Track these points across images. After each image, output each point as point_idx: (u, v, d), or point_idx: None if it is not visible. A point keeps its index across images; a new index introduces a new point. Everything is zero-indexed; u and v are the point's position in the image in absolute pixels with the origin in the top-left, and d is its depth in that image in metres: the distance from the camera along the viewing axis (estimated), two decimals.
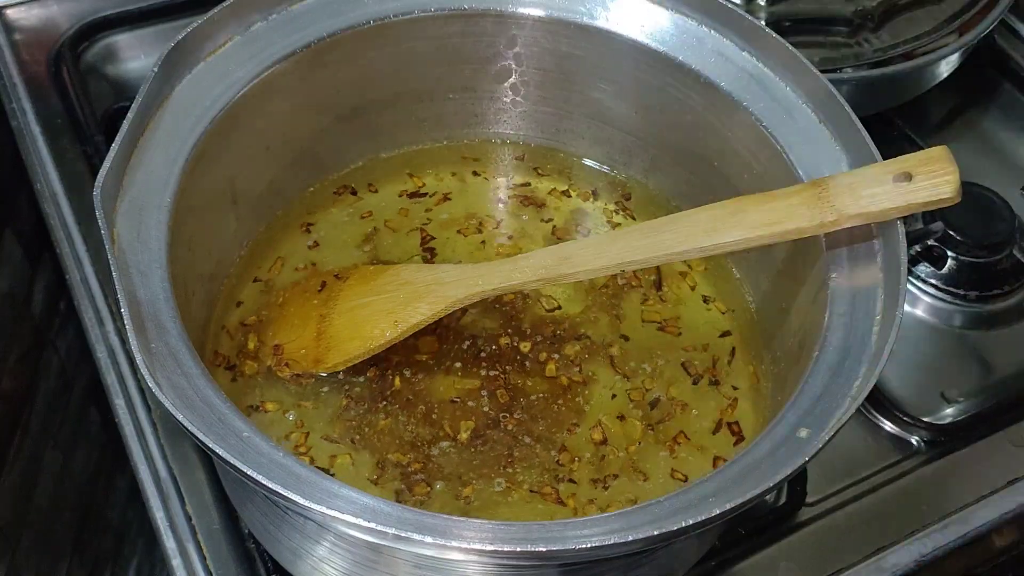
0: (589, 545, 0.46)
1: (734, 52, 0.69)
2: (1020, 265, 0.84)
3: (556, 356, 0.70)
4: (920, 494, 0.72)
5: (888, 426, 0.75)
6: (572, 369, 0.69)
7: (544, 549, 0.46)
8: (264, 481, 0.47)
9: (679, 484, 0.64)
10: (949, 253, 0.82)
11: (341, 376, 0.67)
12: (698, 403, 0.68)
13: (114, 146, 0.57)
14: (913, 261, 0.83)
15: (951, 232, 0.82)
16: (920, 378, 0.79)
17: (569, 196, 0.80)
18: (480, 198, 0.79)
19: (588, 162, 0.81)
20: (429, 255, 0.75)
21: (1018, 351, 0.81)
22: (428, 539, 0.45)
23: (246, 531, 0.65)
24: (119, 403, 0.70)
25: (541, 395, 0.68)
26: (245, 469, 0.47)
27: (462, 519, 0.47)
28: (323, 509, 0.46)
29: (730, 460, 0.52)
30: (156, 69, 0.61)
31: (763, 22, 0.72)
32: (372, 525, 0.46)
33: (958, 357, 0.81)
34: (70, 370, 1.04)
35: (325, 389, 0.67)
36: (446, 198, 0.79)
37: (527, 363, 0.69)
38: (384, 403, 0.66)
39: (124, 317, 0.51)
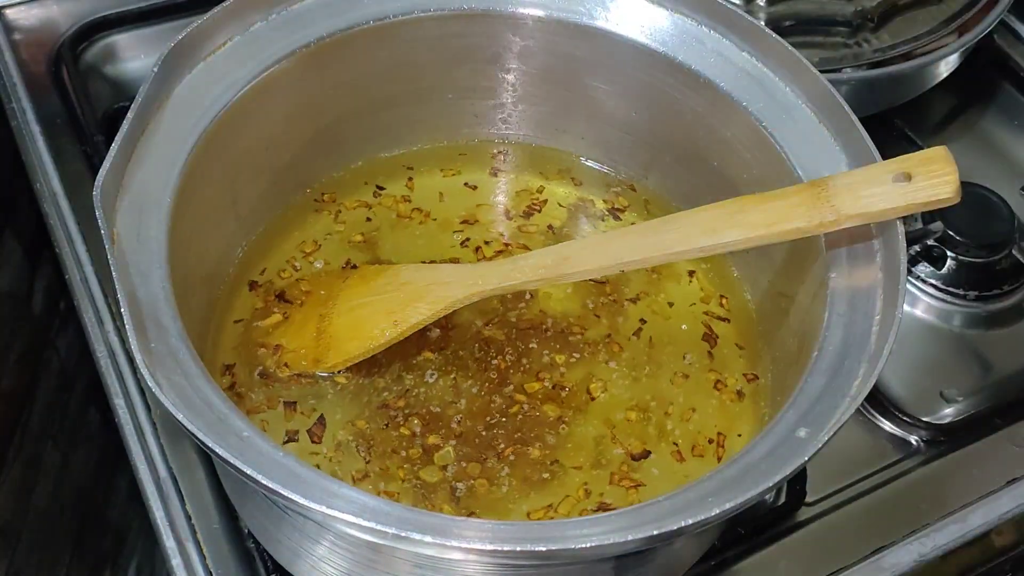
0: (589, 545, 0.46)
1: (734, 52, 0.69)
2: (1019, 265, 0.84)
3: (554, 356, 0.70)
4: (920, 494, 0.72)
5: (887, 426, 0.75)
6: (570, 369, 0.69)
7: (544, 549, 0.46)
8: (264, 481, 0.47)
9: (678, 484, 0.64)
10: (948, 253, 0.82)
11: (340, 376, 0.67)
12: (697, 403, 0.68)
13: (114, 146, 0.57)
14: (912, 261, 0.83)
15: (950, 232, 0.82)
16: (919, 378, 0.79)
17: (569, 196, 0.80)
18: (480, 198, 0.79)
19: (588, 162, 0.81)
20: (429, 255, 0.75)
21: (1018, 351, 0.81)
22: (428, 539, 0.45)
23: (246, 531, 0.66)
24: (119, 403, 0.70)
25: (539, 395, 0.68)
26: (245, 469, 0.47)
27: (462, 519, 0.47)
28: (323, 509, 0.46)
29: (730, 460, 0.52)
30: (156, 69, 0.61)
31: (763, 22, 0.72)
32: (372, 524, 0.46)
33: (957, 357, 0.81)
34: (70, 370, 1.04)
35: (324, 389, 0.67)
36: (446, 198, 0.79)
37: (525, 363, 0.69)
38: (382, 403, 0.66)
39: (124, 317, 0.51)
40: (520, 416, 0.66)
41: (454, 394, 0.67)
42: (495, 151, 0.82)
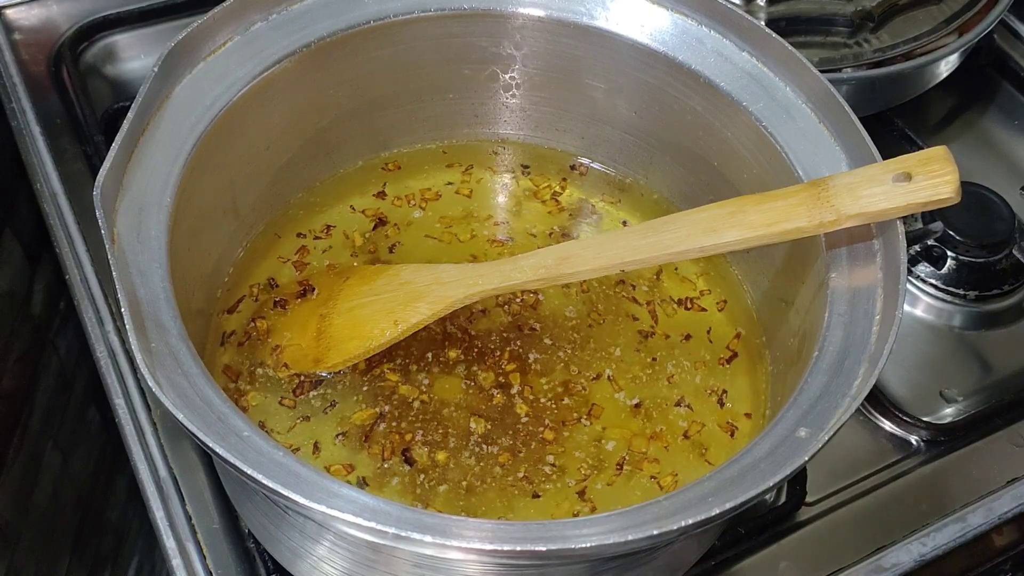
0: (589, 545, 0.46)
1: (734, 52, 0.69)
2: (1019, 265, 0.84)
3: (554, 356, 0.70)
4: (920, 494, 0.72)
5: (888, 426, 0.75)
6: (571, 369, 0.69)
7: (544, 549, 0.46)
8: (264, 480, 0.47)
9: (678, 484, 0.64)
10: (948, 253, 0.82)
11: (340, 376, 0.67)
12: (697, 403, 0.68)
13: (114, 146, 0.57)
14: (912, 261, 0.83)
15: (950, 232, 0.82)
16: (920, 378, 0.79)
17: (569, 196, 0.80)
18: (480, 198, 0.79)
19: (588, 162, 0.81)
20: (430, 254, 0.75)
21: (1018, 351, 0.81)
22: (428, 538, 0.45)
23: (246, 531, 0.66)
24: (119, 403, 0.70)
25: (539, 396, 0.68)
26: (245, 468, 0.47)
27: (462, 518, 0.47)
28: (323, 508, 0.46)
29: (730, 460, 0.52)
30: (156, 69, 0.61)
31: (763, 22, 0.72)
32: (372, 524, 0.46)
33: (957, 357, 0.81)
34: (70, 370, 1.04)
35: (324, 389, 0.67)
36: (446, 198, 0.79)
37: (525, 363, 0.69)
38: (382, 403, 0.66)
39: (124, 317, 0.51)
40: (520, 416, 0.66)
41: (455, 393, 0.67)
42: (495, 151, 0.82)
